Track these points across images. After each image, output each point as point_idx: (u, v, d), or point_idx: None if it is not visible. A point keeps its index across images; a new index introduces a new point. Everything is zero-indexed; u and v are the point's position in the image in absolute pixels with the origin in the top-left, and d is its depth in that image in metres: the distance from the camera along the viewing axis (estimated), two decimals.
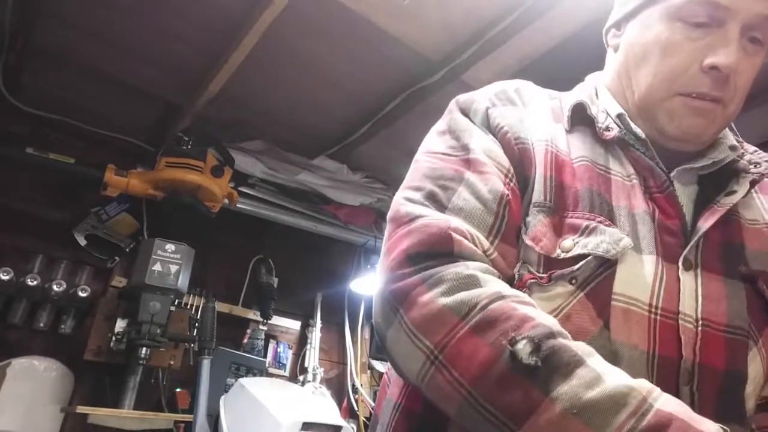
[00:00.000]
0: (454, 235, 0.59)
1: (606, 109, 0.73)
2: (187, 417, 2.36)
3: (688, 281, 0.62)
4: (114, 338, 2.28)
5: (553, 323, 0.52)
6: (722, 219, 0.66)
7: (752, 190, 0.70)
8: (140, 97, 2.49)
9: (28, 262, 2.42)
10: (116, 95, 2.49)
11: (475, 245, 0.60)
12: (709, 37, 0.64)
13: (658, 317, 0.60)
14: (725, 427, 0.46)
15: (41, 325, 2.37)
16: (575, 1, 1.74)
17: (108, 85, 2.41)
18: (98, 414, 2.16)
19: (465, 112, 0.75)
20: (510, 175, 0.67)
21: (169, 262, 2.33)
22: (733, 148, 0.71)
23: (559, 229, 0.63)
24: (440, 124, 0.77)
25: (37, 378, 2.27)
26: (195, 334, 2.53)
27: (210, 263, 2.84)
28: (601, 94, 0.76)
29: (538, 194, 0.65)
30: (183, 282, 2.36)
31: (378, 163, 2.88)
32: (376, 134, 2.57)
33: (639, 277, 0.61)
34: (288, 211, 3.00)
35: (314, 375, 2.95)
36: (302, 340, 3.15)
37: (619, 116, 0.71)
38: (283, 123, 2.66)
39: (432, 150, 0.72)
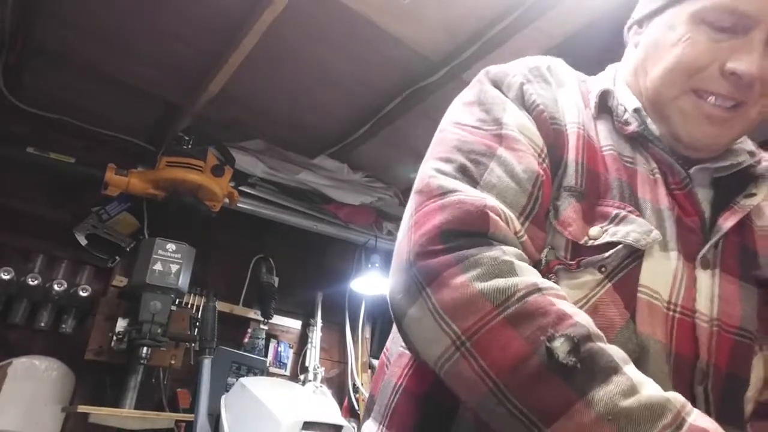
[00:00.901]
0: (491, 214, 0.56)
1: (624, 103, 0.71)
2: (188, 416, 2.36)
3: (704, 280, 0.62)
4: (115, 338, 2.29)
5: (590, 323, 0.51)
6: (741, 221, 0.65)
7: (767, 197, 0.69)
8: (140, 97, 2.49)
9: (29, 262, 2.42)
10: (116, 95, 2.49)
11: (508, 226, 0.58)
12: (733, 42, 0.63)
13: (677, 314, 0.60)
14: None
15: (42, 324, 2.37)
16: (576, 1, 1.73)
17: (108, 85, 2.41)
18: (99, 413, 2.17)
19: (497, 85, 0.72)
20: (543, 155, 0.65)
21: (170, 261, 2.34)
22: (751, 153, 0.71)
23: (589, 216, 0.62)
24: (467, 95, 0.74)
25: (38, 378, 2.27)
26: (196, 333, 2.53)
27: (211, 263, 2.84)
28: (619, 87, 0.74)
29: (569, 178, 0.63)
30: (184, 281, 2.36)
31: (378, 162, 2.88)
32: (377, 134, 2.57)
33: (662, 271, 0.60)
34: (288, 210, 3.00)
35: (315, 374, 2.96)
36: (303, 340, 3.15)
37: (636, 111, 0.69)
38: (284, 122, 2.66)
39: (460, 121, 0.69)
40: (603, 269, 0.59)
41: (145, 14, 1.99)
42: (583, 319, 0.51)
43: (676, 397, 0.47)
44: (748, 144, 0.72)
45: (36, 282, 2.34)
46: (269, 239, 3.12)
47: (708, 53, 0.63)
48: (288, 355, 3.07)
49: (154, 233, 2.56)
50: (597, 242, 0.59)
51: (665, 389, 0.48)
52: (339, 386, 3.16)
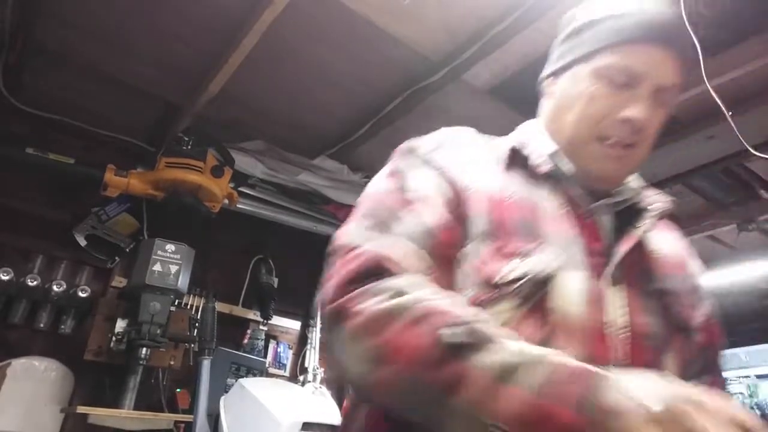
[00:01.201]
0: (388, 261, 0.67)
1: (540, 149, 0.83)
2: (187, 417, 2.36)
3: (613, 295, 0.73)
4: (114, 338, 2.29)
5: (474, 312, 0.62)
6: (635, 246, 0.78)
7: (653, 226, 0.83)
8: (140, 97, 2.49)
9: (29, 262, 2.42)
10: (116, 95, 2.49)
11: (413, 267, 0.68)
12: (626, 94, 0.77)
13: (588, 326, 0.69)
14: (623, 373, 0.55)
15: (41, 325, 2.37)
16: (576, 2, 1.74)
17: (108, 85, 2.41)
18: (98, 414, 2.17)
19: (411, 154, 0.84)
20: (450, 209, 0.75)
21: (169, 262, 2.33)
22: (637, 190, 0.86)
23: (498, 256, 0.72)
24: (387, 168, 0.85)
25: (38, 378, 2.27)
26: (195, 334, 2.53)
27: (210, 263, 2.84)
28: (536, 136, 0.86)
29: (477, 227, 0.74)
30: (183, 282, 2.36)
31: (378, 163, 2.84)
32: (377, 134, 2.57)
33: (571, 291, 0.70)
34: (288, 211, 3.00)
35: (314, 375, 2.95)
36: (302, 340, 3.15)
37: (552, 154, 0.82)
38: (284, 123, 2.66)
39: (378, 189, 0.80)
40: (516, 299, 0.69)
41: (145, 14, 1.99)
42: (468, 310, 0.62)
43: (550, 351, 0.57)
44: (637, 182, 0.88)
45: (35, 282, 2.34)
46: (269, 240, 3.11)
47: (607, 104, 0.77)
48: (287, 355, 3.07)
49: (154, 234, 2.56)
50: (510, 278, 0.70)
51: None
52: (338, 387, 3.16)
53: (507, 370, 0.55)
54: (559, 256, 0.71)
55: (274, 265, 3.09)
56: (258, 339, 2.93)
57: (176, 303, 2.55)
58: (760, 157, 1.85)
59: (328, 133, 2.72)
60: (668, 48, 0.77)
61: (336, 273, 0.68)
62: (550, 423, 0.51)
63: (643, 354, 0.70)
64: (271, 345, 3.02)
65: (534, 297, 0.69)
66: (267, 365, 2.92)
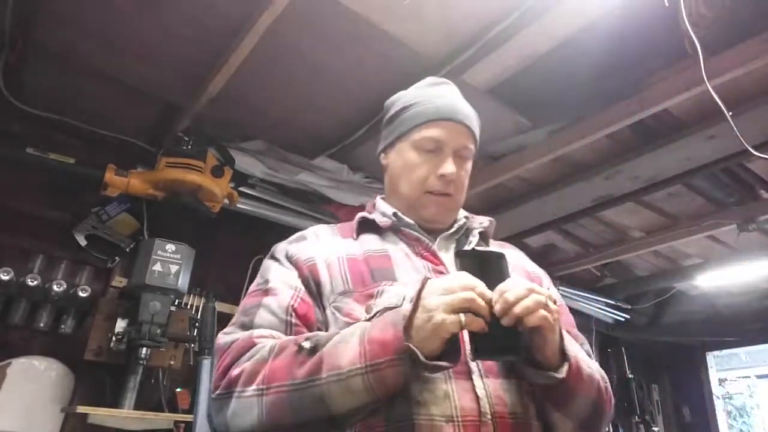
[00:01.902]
0: (256, 339, 0.88)
1: (383, 212, 1.10)
2: (188, 417, 2.36)
3: None
4: (114, 338, 2.29)
5: (319, 332, 0.88)
6: None
7: (486, 243, 1.12)
8: (140, 97, 2.49)
9: (29, 262, 2.42)
10: (116, 95, 2.49)
11: (276, 334, 0.90)
12: (437, 158, 1.06)
13: None
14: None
15: (41, 325, 2.37)
16: (575, 3, 1.74)
17: (108, 85, 2.41)
18: (98, 414, 2.17)
19: (272, 256, 1.07)
20: (299, 289, 0.97)
21: (170, 262, 2.33)
22: (466, 218, 1.14)
23: (361, 301, 0.92)
24: (259, 272, 1.08)
25: (38, 378, 2.27)
26: (195, 334, 2.53)
27: (210, 263, 2.84)
28: (379, 204, 1.14)
29: (338, 287, 0.95)
30: (183, 282, 2.36)
31: (378, 163, 2.87)
32: (377, 134, 2.54)
33: None
34: (288, 211, 3.00)
35: None
36: None
37: (394, 213, 1.08)
38: (283, 123, 2.66)
39: (249, 292, 1.04)
40: None
41: (145, 14, 1.99)
42: (315, 332, 0.89)
43: (362, 323, 0.83)
44: (462, 213, 1.15)
45: (35, 282, 2.34)
46: (269, 240, 3.08)
47: (426, 167, 1.06)
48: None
49: (154, 234, 2.56)
50: (371, 314, 0.88)
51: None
52: None
53: (341, 338, 0.80)
54: (409, 286, 0.89)
55: None
56: None
57: (176, 303, 2.55)
58: (760, 157, 1.85)
59: (328, 134, 2.72)
60: (456, 121, 1.07)
61: (219, 366, 0.88)
62: (381, 345, 0.76)
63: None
64: None
65: None
66: None
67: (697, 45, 1.60)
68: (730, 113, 1.68)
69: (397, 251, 1.02)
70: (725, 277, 3.58)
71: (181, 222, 2.64)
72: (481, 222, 1.13)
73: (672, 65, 1.97)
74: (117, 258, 2.65)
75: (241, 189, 2.81)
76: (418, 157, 1.07)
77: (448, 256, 1.04)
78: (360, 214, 1.11)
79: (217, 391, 0.85)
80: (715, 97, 1.62)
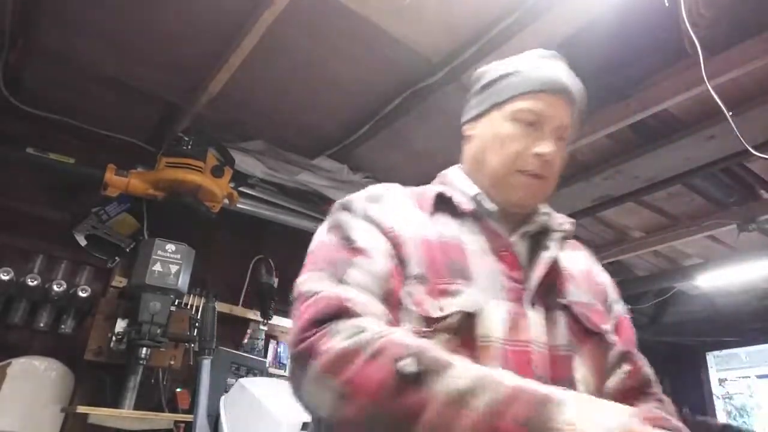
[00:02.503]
0: (348, 302, 0.75)
1: (463, 190, 0.97)
2: (188, 417, 2.36)
3: (533, 316, 0.85)
4: (114, 338, 2.29)
5: (427, 343, 0.70)
6: (548, 268, 0.90)
7: (562, 247, 0.97)
8: (140, 97, 2.49)
9: (29, 262, 2.42)
10: (116, 95, 2.49)
11: (368, 310, 0.76)
12: (535, 134, 0.94)
13: (510, 347, 0.80)
14: (567, 389, 0.65)
15: (41, 325, 2.37)
16: (575, 3, 1.74)
17: (108, 85, 2.41)
18: (98, 414, 2.17)
19: (346, 210, 0.94)
20: (390, 257, 0.85)
21: (170, 262, 2.33)
22: (546, 214, 1.00)
23: (433, 294, 0.82)
24: (326, 224, 0.96)
25: (38, 378, 2.27)
26: (195, 334, 2.53)
27: (210, 263, 2.84)
28: (458, 179, 1.01)
29: (412, 269, 0.84)
30: (183, 282, 2.36)
31: (378, 163, 2.88)
32: (377, 134, 2.57)
33: (494, 319, 0.82)
34: (288, 211, 3.00)
35: None
36: None
37: (476, 195, 0.95)
38: (283, 123, 2.66)
39: (323, 243, 0.90)
40: (450, 331, 0.80)
41: (146, 14, 1.99)
42: (421, 342, 0.70)
43: (498, 370, 0.66)
44: (544, 208, 1.02)
45: (35, 282, 2.34)
46: (269, 240, 3.11)
47: (521, 144, 0.93)
48: (287, 355, 3.07)
49: (154, 234, 2.56)
50: (443, 313, 0.80)
51: None
52: None
53: (461, 394, 0.62)
54: (484, 291, 0.83)
55: (274, 265, 3.09)
56: (258, 339, 2.93)
57: (176, 303, 2.55)
58: (761, 157, 1.85)
59: (328, 133, 2.72)
60: (563, 97, 0.95)
61: (300, 316, 0.76)
62: None
63: (559, 364, 0.83)
64: (271, 345, 3.02)
65: (463, 329, 0.80)
66: (267, 365, 2.92)
67: (697, 45, 1.60)
68: (730, 113, 1.68)
69: (473, 244, 0.91)
70: (725, 277, 3.58)
71: (181, 222, 2.63)
72: (562, 224, 1.00)
73: (672, 65, 1.97)
74: (117, 258, 2.65)
75: (241, 189, 2.81)
76: (514, 130, 0.94)
77: (522, 255, 0.93)
78: (437, 189, 0.97)
79: (296, 349, 0.73)
80: (715, 97, 1.62)
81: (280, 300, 2.99)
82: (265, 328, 2.98)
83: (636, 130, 2.40)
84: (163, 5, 1.94)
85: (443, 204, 0.95)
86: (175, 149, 2.54)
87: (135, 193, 2.51)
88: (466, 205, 0.94)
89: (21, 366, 2.25)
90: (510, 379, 0.64)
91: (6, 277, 2.28)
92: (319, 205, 3.05)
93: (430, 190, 0.99)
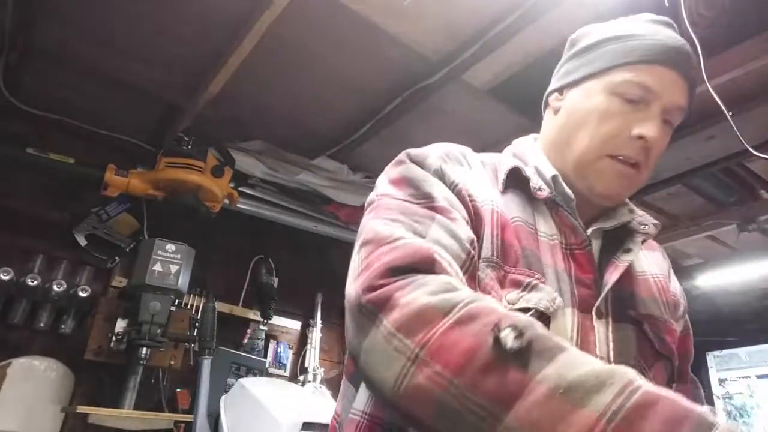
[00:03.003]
0: (437, 257, 0.63)
1: (540, 171, 0.82)
2: (188, 417, 2.36)
3: (600, 328, 0.73)
4: (114, 338, 2.29)
5: (531, 318, 0.55)
6: (621, 273, 0.77)
7: (640, 249, 0.83)
8: (140, 97, 2.49)
9: (29, 262, 2.42)
10: (116, 95, 2.49)
11: (455, 272, 0.65)
12: (638, 113, 0.77)
13: None
14: (712, 409, 0.48)
15: (41, 325, 2.37)
16: (575, 2, 1.74)
17: (108, 85, 2.41)
18: (98, 414, 2.17)
19: (419, 164, 0.79)
20: (471, 225, 0.73)
21: (170, 262, 2.33)
22: (631, 211, 0.85)
23: (503, 283, 0.70)
24: (391, 173, 0.80)
25: (38, 378, 2.27)
26: (195, 334, 2.53)
27: (210, 263, 2.84)
28: (534, 156, 0.85)
29: (486, 250, 0.72)
30: (183, 282, 2.36)
31: (378, 163, 2.86)
32: (377, 134, 2.57)
33: (561, 329, 0.70)
34: (288, 211, 3.00)
35: (315, 375, 2.95)
36: (302, 340, 3.15)
37: (554, 177, 0.80)
38: (284, 123, 2.66)
39: (394, 195, 0.74)
40: None
41: (145, 14, 1.99)
42: (522, 315, 0.56)
43: (623, 369, 0.49)
44: (628, 203, 0.87)
45: (35, 282, 2.34)
46: (269, 240, 3.11)
47: (619, 123, 0.77)
48: (287, 355, 3.07)
49: (154, 234, 2.56)
50: (514, 307, 0.68)
51: None
52: (338, 387, 3.15)
53: (576, 387, 0.46)
54: (558, 293, 0.71)
55: (274, 265, 3.09)
56: (258, 339, 2.93)
57: (176, 303, 2.55)
58: (761, 157, 1.85)
59: (328, 133, 2.72)
60: (679, 71, 0.78)
61: (376, 261, 0.62)
62: None
63: None
64: (271, 345, 3.02)
65: None
66: (267, 365, 2.92)
67: (697, 45, 1.59)
68: (730, 113, 1.68)
69: (546, 235, 0.78)
70: (725, 277, 3.58)
71: (181, 222, 2.64)
72: (645, 225, 0.85)
73: None
74: (117, 258, 2.65)
75: (241, 189, 2.81)
76: (614, 106, 0.78)
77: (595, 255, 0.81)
78: (513, 163, 0.83)
79: (367, 297, 0.59)
80: (715, 97, 1.62)
81: (280, 300, 2.99)
82: (265, 328, 2.98)
83: None
84: (164, 5, 1.93)
85: (517, 182, 0.82)
86: (175, 149, 2.54)
87: (135, 193, 2.51)
88: (543, 190, 0.80)
89: (21, 366, 2.25)
90: (639, 380, 0.47)
91: (6, 277, 2.28)
92: (319, 205, 3.05)
93: (504, 163, 0.85)
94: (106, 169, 2.43)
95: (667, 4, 1.60)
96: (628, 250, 0.80)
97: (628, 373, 0.48)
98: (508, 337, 0.50)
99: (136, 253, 2.44)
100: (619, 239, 0.82)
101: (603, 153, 0.78)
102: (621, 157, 0.77)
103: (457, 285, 0.59)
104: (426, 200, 0.72)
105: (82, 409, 2.10)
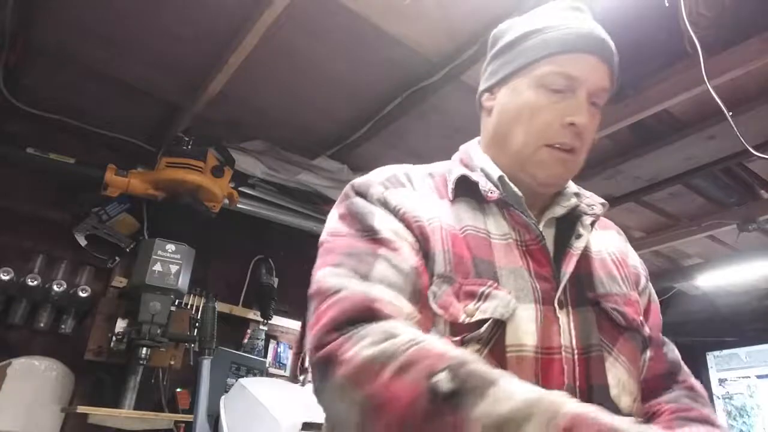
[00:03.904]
0: (376, 303, 0.65)
1: (487, 173, 0.84)
2: (188, 417, 2.36)
3: (563, 318, 0.75)
4: (114, 338, 2.29)
5: (465, 353, 0.59)
6: (577, 259, 0.80)
7: (592, 229, 0.86)
8: (140, 97, 2.49)
9: (29, 262, 2.42)
10: (116, 95, 2.49)
11: (397, 312, 0.67)
12: (566, 101, 0.80)
13: (542, 356, 0.72)
14: (635, 419, 0.54)
15: (41, 325, 2.37)
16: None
17: (108, 85, 2.41)
18: (98, 414, 2.17)
19: (362, 196, 0.81)
20: (416, 250, 0.75)
21: (170, 262, 2.33)
22: (576, 195, 0.88)
23: (460, 297, 0.72)
24: (339, 209, 0.82)
25: (38, 378, 2.27)
26: (195, 334, 2.53)
27: (210, 263, 2.84)
28: (479, 158, 0.87)
29: (439, 266, 0.74)
30: (183, 282, 2.36)
31: (379, 163, 2.84)
32: (377, 134, 2.57)
33: (523, 325, 0.72)
34: (288, 211, 3.00)
35: None
36: (303, 340, 3.15)
37: (500, 178, 0.82)
38: (284, 123, 2.66)
39: (340, 232, 0.78)
40: (480, 341, 0.71)
41: (145, 14, 1.99)
42: (458, 352, 0.59)
43: (551, 393, 0.53)
44: (572, 187, 0.90)
45: (36, 282, 2.34)
46: (269, 240, 3.11)
47: (550, 114, 0.80)
48: (287, 355, 3.07)
49: (154, 234, 2.56)
50: (472, 319, 0.71)
51: None
52: None
53: (505, 420, 0.51)
54: (513, 294, 0.73)
55: (274, 265, 3.10)
56: (258, 339, 2.93)
57: (176, 303, 2.55)
58: (761, 157, 1.85)
59: (328, 133, 2.73)
60: (599, 55, 0.81)
61: (322, 316, 0.66)
62: None
63: (585, 368, 0.74)
64: (272, 345, 3.03)
65: (492, 339, 0.71)
66: (267, 365, 2.92)
67: (697, 45, 1.59)
68: (730, 113, 1.68)
69: (499, 237, 0.80)
70: (725, 277, 3.58)
71: (181, 222, 2.63)
72: (593, 205, 0.88)
73: (672, 65, 1.97)
74: (117, 258, 2.65)
75: (241, 189, 2.81)
76: (542, 98, 0.81)
77: (549, 245, 0.82)
78: (460, 172, 0.85)
79: (317, 355, 0.64)
80: (716, 97, 1.62)
81: (280, 300, 2.99)
82: (265, 328, 2.98)
83: (636, 130, 2.40)
84: (164, 5, 1.94)
85: (466, 189, 0.83)
86: (175, 149, 2.54)
87: (135, 193, 2.51)
88: (492, 192, 0.81)
89: (21, 366, 2.26)
90: (567, 405, 0.52)
91: (6, 277, 2.28)
92: (319, 205, 3.05)
93: (451, 171, 0.86)
94: (106, 169, 2.43)
95: (667, 4, 1.60)
96: (580, 236, 0.83)
97: (555, 401, 0.52)
98: (442, 381, 0.54)
99: (136, 253, 2.44)
100: (571, 224, 0.85)
101: (540, 144, 0.81)
102: (557, 145, 0.81)
103: (396, 330, 0.61)
104: (369, 233, 0.75)
105: (82, 409, 2.10)
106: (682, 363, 0.89)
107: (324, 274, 0.72)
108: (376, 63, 2.14)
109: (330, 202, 3.32)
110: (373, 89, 2.31)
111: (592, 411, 0.51)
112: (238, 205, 2.79)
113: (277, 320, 3.03)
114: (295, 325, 3.16)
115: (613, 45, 0.85)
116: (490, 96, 0.89)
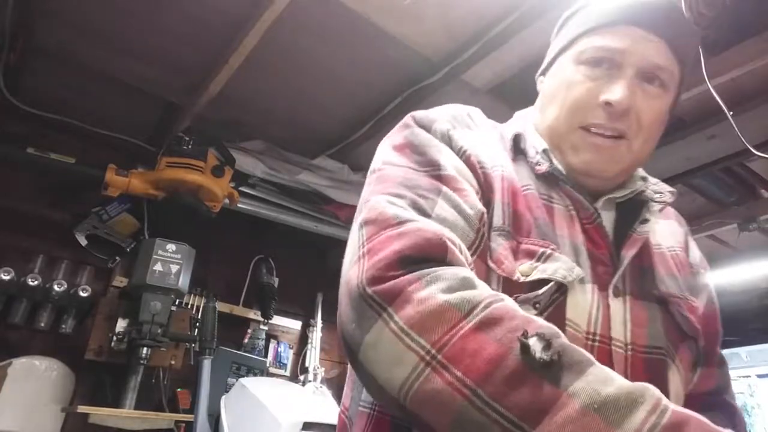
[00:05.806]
0: (449, 243, 0.58)
1: (534, 145, 0.77)
2: (188, 417, 2.36)
3: (617, 308, 0.67)
4: (115, 338, 2.29)
5: (556, 328, 0.51)
6: (639, 247, 0.72)
7: (656, 220, 0.77)
8: (140, 97, 2.49)
9: (29, 262, 2.42)
10: (116, 95, 2.49)
11: (463, 260, 0.59)
12: (606, 77, 0.72)
13: (595, 344, 0.64)
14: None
15: (42, 325, 2.37)
16: (576, 1, 1.74)
17: (108, 85, 2.41)
18: (99, 414, 2.17)
19: (425, 128, 0.74)
20: (480, 195, 0.68)
21: (170, 262, 2.34)
22: (643, 179, 0.80)
23: (516, 254, 0.65)
24: (395, 138, 0.74)
25: (38, 378, 2.27)
26: (196, 333, 2.53)
27: (211, 263, 2.84)
28: (528, 131, 0.80)
29: (498, 218, 0.67)
30: (184, 282, 2.36)
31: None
32: (377, 134, 2.57)
33: (581, 304, 0.65)
34: (289, 211, 3.00)
35: (315, 375, 2.95)
36: (303, 340, 3.15)
37: (545, 151, 0.75)
38: (284, 123, 2.66)
39: (397, 162, 0.70)
40: (537, 305, 0.62)
41: (145, 14, 1.99)
42: (546, 323, 0.52)
43: (650, 387, 0.47)
44: (639, 171, 0.81)
45: (36, 282, 2.34)
46: (269, 240, 3.11)
47: (586, 91, 0.72)
48: (288, 355, 3.07)
49: (155, 234, 2.56)
50: (528, 279, 0.63)
51: None
52: (339, 387, 3.16)
53: (610, 404, 0.44)
54: (576, 266, 0.66)
55: (275, 265, 3.09)
56: (259, 339, 2.93)
57: (177, 303, 2.56)
58: (761, 156, 1.85)
59: (328, 133, 2.72)
60: (650, 28, 0.71)
61: (383, 247, 0.56)
62: None
63: (643, 371, 0.65)
64: (272, 345, 3.03)
65: (551, 306, 0.63)
66: (268, 365, 2.92)
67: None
68: (731, 113, 1.68)
69: (561, 205, 0.72)
70: (726, 276, 3.57)
71: (182, 222, 2.64)
72: (661, 193, 0.80)
73: None
74: (117, 258, 2.65)
75: (242, 189, 2.81)
76: (582, 74, 0.73)
77: (608, 229, 0.74)
78: (514, 129, 0.78)
79: (375, 288, 0.53)
80: (716, 96, 1.62)
81: (281, 300, 2.99)
82: (266, 328, 2.98)
83: None
84: (164, 5, 1.93)
85: (519, 152, 0.77)
86: (175, 149, 2.54)
87: (135, 193, 2.51)
88: (540, 164, 0.74)
89: (21, 366, 2.26)
90: (670, 404, 0.45)
91: (7, 277, 2.28)
92: (319, 205, 3.05)
93: (508, 130, 0.80)
94: (107, 169, 2.43)
95: None
96: (646, 221, 0.74)
97: (656, 391, 0.46)
98: (536, 347, 0.47)
99: (137, 253, 2.44)
100: (634, 210, 0.76)
101: (574, 125, 0.73)
102: (593, 129, 0.72)
103: (475, 281, 0.54)
104: (432, 168, 0.67)
105: (82, 409, 2.10)
106: (731, 384, 0.81)
107: (382, 201, 0.63)
108: (376, 62, 2.14)
109: (330, 202, 3.34)
110: (373, 89, 2.31)
111: (689, 411, 0.46)
112: (239, 205, 2.79)
113: (277, 320, 3.03)
114: (295, 324, 3.16)
115: (677, 16, 0.74)
116: (542, 79, 0.84)
